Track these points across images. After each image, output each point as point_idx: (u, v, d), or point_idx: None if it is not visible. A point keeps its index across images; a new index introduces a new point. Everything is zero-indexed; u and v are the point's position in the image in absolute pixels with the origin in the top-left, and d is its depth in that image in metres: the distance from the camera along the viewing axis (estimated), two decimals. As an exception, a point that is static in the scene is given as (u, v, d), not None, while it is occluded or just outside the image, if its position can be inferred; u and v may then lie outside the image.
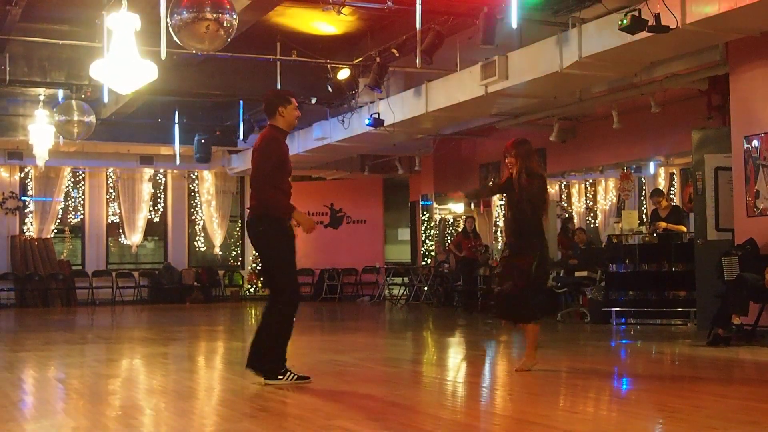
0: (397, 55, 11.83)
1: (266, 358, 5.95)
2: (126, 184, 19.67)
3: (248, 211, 6.21)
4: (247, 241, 20.69)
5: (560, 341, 9.94)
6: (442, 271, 16.68)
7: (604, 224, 17.68)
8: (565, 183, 18.11)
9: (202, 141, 16.74)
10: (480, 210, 18.34)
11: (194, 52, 9.01)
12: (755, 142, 9.38)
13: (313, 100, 14.28)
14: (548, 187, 6.80)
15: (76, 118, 12.89)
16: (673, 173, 16.78)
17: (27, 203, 18.83)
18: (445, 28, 10.85)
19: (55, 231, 19.15)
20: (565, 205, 18.16)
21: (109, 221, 19.63)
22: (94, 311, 17.01)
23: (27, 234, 18.73)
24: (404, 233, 21.69)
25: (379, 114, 13.29)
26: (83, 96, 13.36)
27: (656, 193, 12.30)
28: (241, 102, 15.13)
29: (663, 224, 11.43)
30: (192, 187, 20.53)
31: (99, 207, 19.55)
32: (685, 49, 9.63)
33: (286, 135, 6.23)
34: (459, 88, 11.89)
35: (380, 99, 13.49)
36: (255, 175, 6.13)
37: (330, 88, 13.30)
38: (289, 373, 5.95)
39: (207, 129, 16.99)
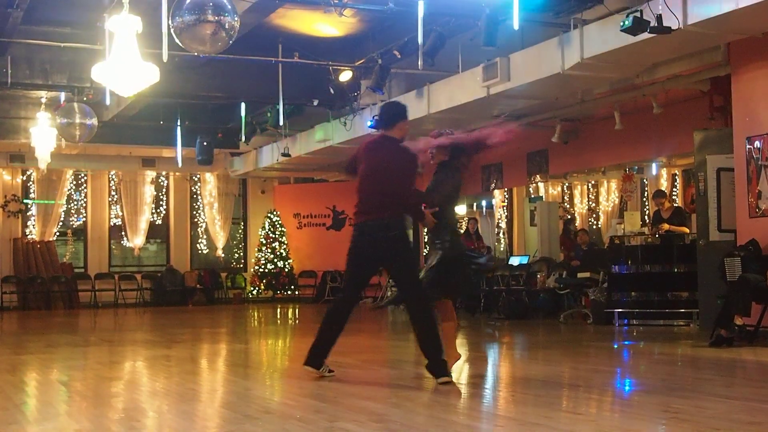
0: (399, 56, 11.83)
1: (432, 354, 5.95)
2: (128, 187, 19.70)
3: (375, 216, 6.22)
4: (250, 242, 20.71)
5: (563, 342, 9.94)
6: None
7: (606, 225, 17.68)
8: (567, 184, 18.12)
9: (204, 143, 16.74)
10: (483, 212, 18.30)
11: (196, 54, 9.03)
12: (757, 143, 9.37)
13: (315, 102, 14.29)
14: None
15: (77, 120, 12.88)
16: (675, 174, 16.81)
17: (29, 206, 18.86)
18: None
19: (58, 234, 19.18)
20: (568, 206, 18.16)
21: (112, 224, 19.65)
22: (96, 314, 17.02)
23: (29, 237, 18.77)
24: (406, 235, 21.63)
25: (381, 115, 13.28)
26: (85, 98, 13.37)
27: (658, 194, 12.30)
28: (243, 104, 15.13)
29: (665, 225, 11.42)
30: (194, 190, 20.55)
31: (101, 209, 19.58)
32: (686, 50, 9.62)
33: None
34: (461, 89, 11.89)
35: (382, 101, 13.48)
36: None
37: (332, 90, 13.31)
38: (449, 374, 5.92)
39: (209, 131, 17.00)
